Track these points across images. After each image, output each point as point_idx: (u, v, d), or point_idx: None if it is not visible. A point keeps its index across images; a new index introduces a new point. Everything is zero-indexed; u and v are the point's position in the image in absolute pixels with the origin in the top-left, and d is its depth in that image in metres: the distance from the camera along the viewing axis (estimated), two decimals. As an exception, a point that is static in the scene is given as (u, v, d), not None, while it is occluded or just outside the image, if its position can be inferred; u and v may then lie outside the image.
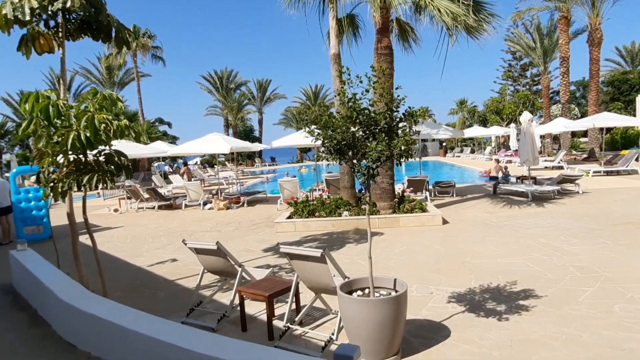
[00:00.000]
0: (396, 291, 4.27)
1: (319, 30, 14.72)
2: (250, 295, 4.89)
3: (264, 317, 5.07)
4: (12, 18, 4.83)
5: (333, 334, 4.34)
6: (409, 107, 3.82)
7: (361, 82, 3.74)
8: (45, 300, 5.40)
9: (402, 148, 3.54)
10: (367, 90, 3.80)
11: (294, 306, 4.98)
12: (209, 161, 42.97)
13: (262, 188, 21.85)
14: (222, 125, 50.24)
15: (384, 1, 10.34)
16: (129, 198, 17.00)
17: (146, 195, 16.38)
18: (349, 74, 3.74)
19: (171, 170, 33.76)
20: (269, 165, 44.33)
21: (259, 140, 50.34)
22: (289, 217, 11.08)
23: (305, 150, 49.02)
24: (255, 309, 5.54)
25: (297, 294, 5.08)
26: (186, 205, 16.17)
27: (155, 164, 34.91)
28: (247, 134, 52.20)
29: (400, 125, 3.83)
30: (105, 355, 4.14)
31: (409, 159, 3.76)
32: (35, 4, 4.90)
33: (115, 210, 15.99)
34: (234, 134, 48.24)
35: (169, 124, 43.40)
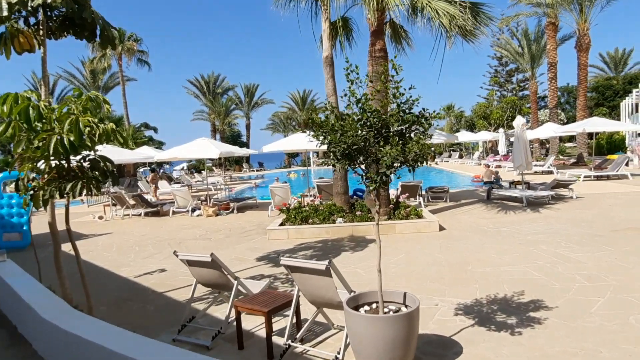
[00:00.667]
0: (407, 306, 3.99)
1: (311, 33, 14.47)
2: (247, 311, 4.56)
3: (262, 332, 4.76)
4: (-11, 13, 4.45)
5: (339, 353, 4.03)
6: (423, 109, 3.55)
7: (371, 81, 3.46)
8: (25, 317, 5.01)
9: (417, 152, 3.27)
10: (378, 91, 3.53)
11: (294, 321, 4.66)
12: (196, 166, 42.33)
13: (250, 194, 21.47)
14: (209, 130, 49.72)
15: (380, 3, 10.11)
16: (114, 205, 16.49)
17: (132, 202, 15.89)
18: (357, 73, 3.47)
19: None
20: (257, 171, 43.84)
21: (246, 145, 49.94)
22: (281, 224, 10.75)
23: (292, 156, 48.67)
24: (252, 323, 5.21)
25: (297, 309, 4.77)
26: (174, 212, 15.73)
27: (141, 170, 34.18)
28: (234, 139, 51.74)
29: (413, 128, 3.56)
30: (90, 380, 3.78)
31: (424, 164, 3.49)
32: (13, -1, 4.54)
33: (100, 218, 15.46)
34: (221, 139, 47.60)
35: (155, 129, 42.71)
